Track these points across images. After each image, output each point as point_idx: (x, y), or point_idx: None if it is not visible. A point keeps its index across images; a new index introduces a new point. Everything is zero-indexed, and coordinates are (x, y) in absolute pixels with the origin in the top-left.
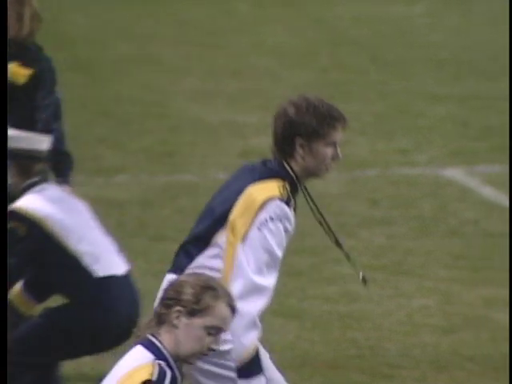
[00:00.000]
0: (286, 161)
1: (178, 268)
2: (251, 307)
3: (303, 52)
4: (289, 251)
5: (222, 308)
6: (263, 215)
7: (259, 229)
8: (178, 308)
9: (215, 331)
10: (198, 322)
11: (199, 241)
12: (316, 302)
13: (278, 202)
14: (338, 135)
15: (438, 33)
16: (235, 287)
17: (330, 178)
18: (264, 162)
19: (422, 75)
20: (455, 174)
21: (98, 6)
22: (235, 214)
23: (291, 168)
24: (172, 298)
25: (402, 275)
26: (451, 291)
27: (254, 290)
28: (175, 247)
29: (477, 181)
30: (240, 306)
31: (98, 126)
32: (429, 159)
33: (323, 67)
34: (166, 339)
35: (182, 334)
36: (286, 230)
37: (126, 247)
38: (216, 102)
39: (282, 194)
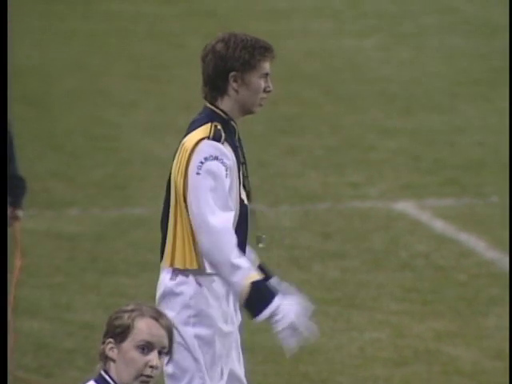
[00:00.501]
0: (217, 101)
1: (161, 253)
2: (224, 253)
3: None
4: None
5: (142, 323)
6: (197, 159)
7: (197, 173)
8: (109, 340)
9: (147, 348)
10: (126, 345)
11: (167, 210)
12: (268, 334)
13: (207, 141)
14: (268, 66)
15: (390, 66)
16: (203, 243)
17: (282, 211)
18: (198, 114)
19: (374, 109)
20: (406, 207)
21: (49, 39)
22: (174, 168)
23: (222, 110)
24: (104, 334)
25: (354, 308)
26: (403, 324)
27: (217, 235)
28: (127, 281)
29: (428, 214)
30: (215, 257)
31: (49, 160)
32: (380, 193)
33: (275, 100)
34: (112, 373)
35: (119, 364)
36: (226, 167)
37: (77, 281)
38: (166, 136)
39: (209, 134)
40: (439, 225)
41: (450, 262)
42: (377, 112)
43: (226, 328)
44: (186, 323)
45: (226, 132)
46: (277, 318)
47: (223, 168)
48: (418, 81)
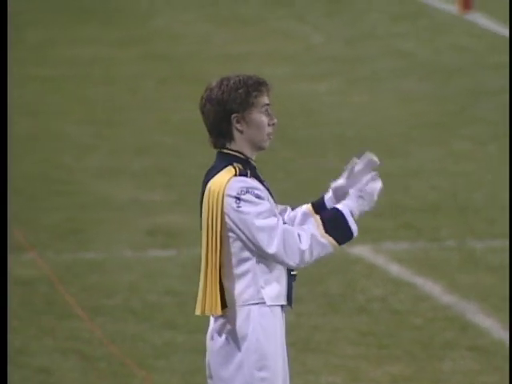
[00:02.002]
0: (226, 146)
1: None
2: (298, 260)
3: None
4: (195, 329)
5: None
6: (231, 197)
7: (237, 210)
8: None
9: None
10: None
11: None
12: None
13: (236, 178)
14: (266, 99)
15: (344, 110)
16: (281, 264)
17: None
18: (213, 163)
19: (328, 153)
20: (362, 251)
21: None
22: (205, 214)
23: (235, 151)
24: None
25: (310, 352)
26: (358, 368)
27: (279, 258)
28: (82, 325)
29: (383, 258)
30: (295, 266)
31: None
32: None
33: None
34: None
35: None
36: (258, 196)
37: (32, 325)
38: (121, 180)
39: (235, 172)
40: (395, 269)
41: (406, 305)
42: (331, 156)
43: (285, 364)
44: (254, 367)
45: (249, 169)
46: (368, 202)
47: (257, 197)
48: (373, 125)
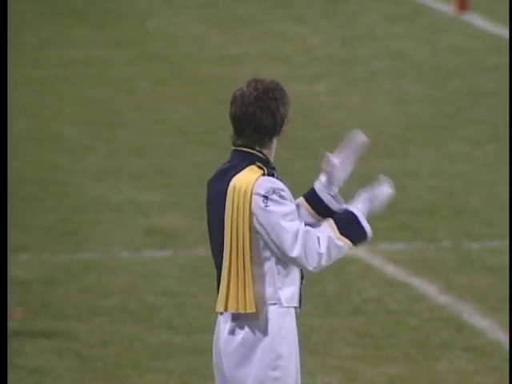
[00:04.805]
0: (254, 147)
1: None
2: (316, 263)
3: (206, 130)
4: (193, 329)
5: None
6: (259, 195)
7: (264, 209)
8: None
9: None
10: None
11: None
12: None
13: (264, 177)
14: None
15: (341, 111)
16: (303, 268)
17: None
18: (229, 162)
19: (325, 153)
20: (358, 251)
21: None
22: (231, 212)
23: (259, 151)
24: None
25: (306, 353)
26: (355, 369)
27: (301, 262)
28: (78, 326)
29: (380, 259)
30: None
31: None
32: None
33: (226, 145)
34: None
35: None
36: (284, 197)
37: (28, 326)
38: (119, 181)
39: (263, 172)
40: (391, 269)
41: (402, 306)
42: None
43: (297, 365)
44: (268, 367)
45: (271, 169)
46: (376, 207)
47: (283, 198)
48: (369, 125)
